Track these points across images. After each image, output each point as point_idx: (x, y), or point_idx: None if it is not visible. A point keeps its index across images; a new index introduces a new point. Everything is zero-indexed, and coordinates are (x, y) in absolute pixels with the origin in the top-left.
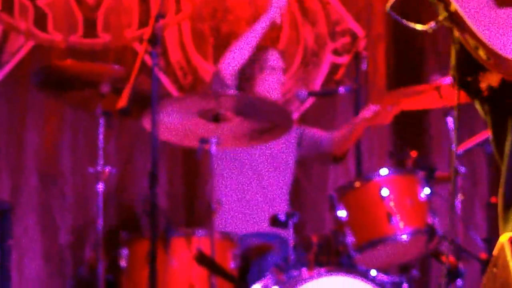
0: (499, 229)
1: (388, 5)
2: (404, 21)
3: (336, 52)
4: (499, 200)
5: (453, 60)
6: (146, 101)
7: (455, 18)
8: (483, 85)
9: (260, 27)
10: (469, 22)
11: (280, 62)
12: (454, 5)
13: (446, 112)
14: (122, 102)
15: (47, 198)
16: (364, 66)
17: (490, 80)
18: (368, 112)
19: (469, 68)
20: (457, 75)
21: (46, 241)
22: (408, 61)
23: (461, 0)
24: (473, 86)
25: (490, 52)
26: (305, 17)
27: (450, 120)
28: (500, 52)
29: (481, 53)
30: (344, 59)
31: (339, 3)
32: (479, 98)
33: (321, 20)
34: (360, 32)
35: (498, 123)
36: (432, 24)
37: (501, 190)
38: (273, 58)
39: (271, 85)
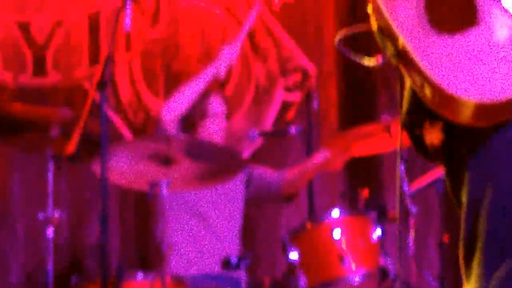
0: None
1: (337, 38)
2: (352, 56)
3: (287, 89)
4: (459, 251)
5: (404, 106)
6: (96, 144)
7: (402, 54)
8: (428, 141)
9: (203, 78)
10: (416, 58)
11: (222, 107)
12: (402, 41)
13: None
14: (71, 147)
15: None
16: (315, 105)
17: (433, 137)
18: (319, 159)
19: (417, 118)
20: (407, 124)
21: None
22: (360, 99)
23: (409, 35)
24: (419, 140)
25: (435, 89)
26: (256, 54)
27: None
28: (445, 88)
29: (427, 91)
30: (296, 96)
31: (290, 40)
32: (426, 153)
33: (272, 56)
34: (311, 69)
35: (452, 173)
36: (380, 59)
37: (461, 243)
38: (215, 104)
39: (212, 131)
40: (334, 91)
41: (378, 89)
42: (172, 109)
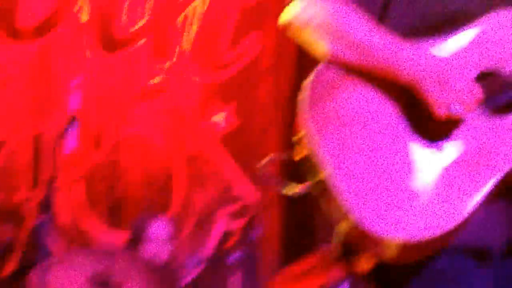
0: None
1: (261, 164)
2: (274, 182)
3: (228, 217)
4: None
5: (335, 235)
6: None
7: (324, 185)
8: (359, 268)
9: None
10: (339, 191)
11: (166, 230)
12: (325, 173)
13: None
14: None
15: None
16: (257, 233)
17: (364, 264)
18: None
19: (349, 246)
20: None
21: None
22: (301, 225)
23: (335, 168)
24: (349, 268)
25: (355, 226)
26: (197, 181)
27: None
28: (366, 226)
29: (345, 225)
30: (237, 224)
31: (233, 166)
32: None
33: (214, 184)
34: (254, 197)
35: None
36: (302, 188)
37: None
38: (157, 228)
39: (152, 255)
40: (277, 219)
41: (320, 214)
42: None
